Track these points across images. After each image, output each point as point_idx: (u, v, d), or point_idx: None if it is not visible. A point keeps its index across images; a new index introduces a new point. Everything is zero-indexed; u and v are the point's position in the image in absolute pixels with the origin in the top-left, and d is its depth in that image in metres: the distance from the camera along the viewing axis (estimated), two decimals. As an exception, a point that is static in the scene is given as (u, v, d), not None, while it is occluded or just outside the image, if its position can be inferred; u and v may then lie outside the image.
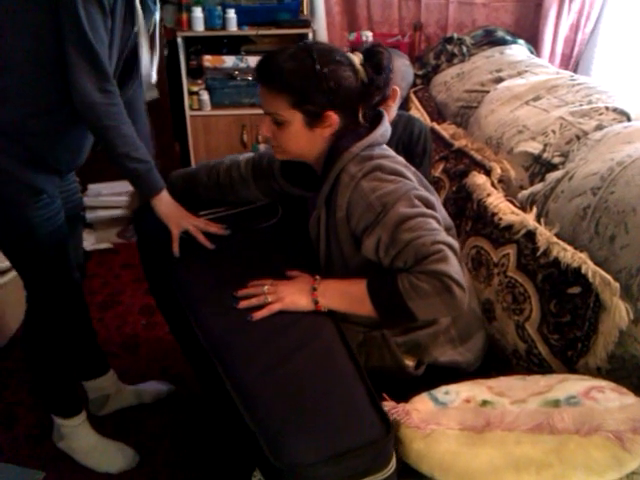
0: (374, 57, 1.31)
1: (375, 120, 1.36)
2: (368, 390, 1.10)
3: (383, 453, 1.02)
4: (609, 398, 1.05)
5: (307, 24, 3.28)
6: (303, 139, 1.31)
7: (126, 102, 1.46)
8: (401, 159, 1.36)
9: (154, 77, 1.67)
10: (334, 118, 1.29)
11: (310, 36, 3.30)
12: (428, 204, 1.26)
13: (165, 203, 1.49)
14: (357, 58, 1.31)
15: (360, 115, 1.33)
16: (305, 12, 3.39)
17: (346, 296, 1.27)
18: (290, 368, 1.13)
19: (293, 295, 1.27)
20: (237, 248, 1.49)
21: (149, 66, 1.51)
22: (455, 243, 1.22)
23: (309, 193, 1.47)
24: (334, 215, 1.31)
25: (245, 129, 3.37)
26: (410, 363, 1.37)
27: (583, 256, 1.28)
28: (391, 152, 1.36)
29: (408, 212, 1.21)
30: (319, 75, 1.24)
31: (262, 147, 3.27)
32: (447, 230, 1.29)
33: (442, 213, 1.36)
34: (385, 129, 1.36)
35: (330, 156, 1.32)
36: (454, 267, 1.16)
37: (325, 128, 1.30)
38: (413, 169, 1.37)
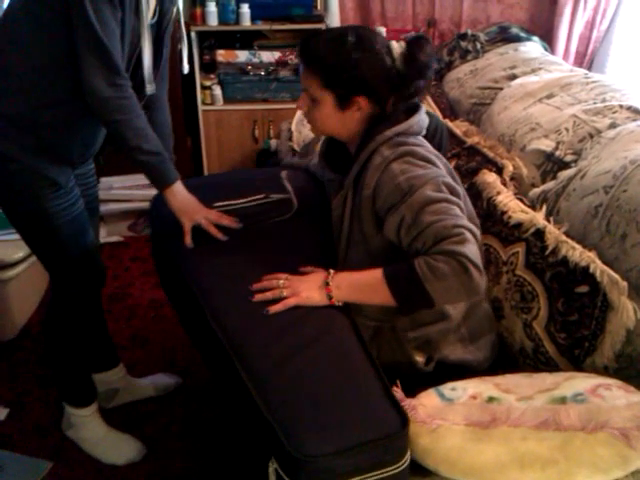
0: (415, 48, 1.31)
1: (411, 110, 1.37)
2: (383, 383, 1.11)
3: (398, 446, 1.03)
4: (616, 396, 1.04)
5: (321, 19, 3.27)
6: (334, 119, 1.35)
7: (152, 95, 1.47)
8: (433, 149, 1.37)
9: (186, 68, 1.72)
10: (363, 103, 1.31)
11: (323, 31, 3.29)
12: (454, 192, 1.26)
13: (178, 196, 1.48)
14: (399, 47, 1.31)
15: (390, 103, 1.33)
16: (319, 7, 3.39)
17: (361, 286, 1.26)
18: (305, 360, 1.13)
19: (309, 290, 1.27)
20: (251, 241, 1.49)
21: (150, 60, 1.49)
22: (476, 230, 1.22)
23: (338, 176, 1.47)
24: (360, 194, 1.33)
25: (257, 124, 3.37)
26: (420, 359, 1.37)
27: (592, 255, 1.27)
28: (425, 142, 1.38)
29: (434, 196, 1.21)
30: (351, 61, 1.27)
31: (274, 142, 3.27)
32: (470, 220, 1.28)
33: (468, 205, 1.37)
34: (420, 119, 1.37)
35: (364, 138, 1.35)
36: (472, 249, 1.15)
37: (355, 112, 1.33)
38: (445, 160, 1.39)
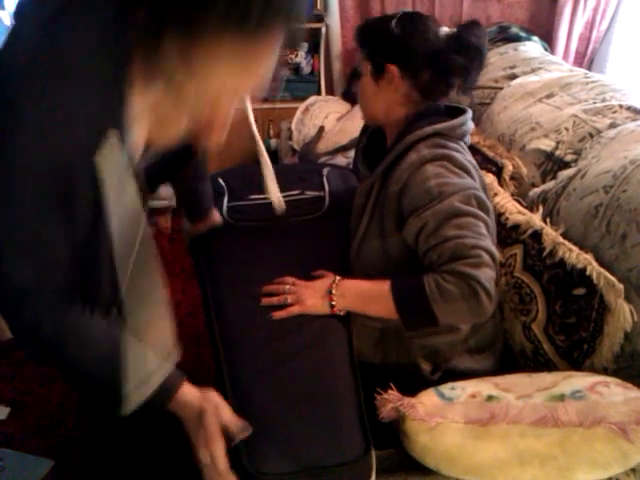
0: (464, 29, 1.30)
1: (457, 112, 1.35)
2: (358, 405, 1.10)
3: (361, 472, 1.02)
4: (614, 392, 1.05)
5: (320, 19, 3.28)
6: (371, 94, 1.37)
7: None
8: (472, 159, 1.35)
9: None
10: (395, 72, 1.30)
11: (323, 31, 3.30)
12: (483, 207, 1.23)
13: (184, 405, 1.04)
14: (447, 29, 1.32)
15: (425, 78, 1.30)
16: (319, 6, 3.38)
17: (366, 297, 1.26)
18: (287, 372, 1.13)
19: (313, 298, 1.27)
20: (273, 237, 1.50)
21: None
22: (496, 252, 1.19)
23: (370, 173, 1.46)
24: (387, 187, 1.30)
25: (257, 123, 3.37)
26: (426, 367, 1.36)
27: (588, 257, 1.28)
28: (466, 150, 1.35)
29: (461, 208, 1.18)
30: (390, 30, 1.30)
31: (274, 142, 3.27)
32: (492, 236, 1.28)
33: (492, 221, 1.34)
34: (463, 123, 1.33)
35: (403, 131, 1.33)
36: (486, 274, 1.13)
37: (389, 86, 1.32)
38: (481, 173, 1.36)
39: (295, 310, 1.25)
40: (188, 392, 1.02)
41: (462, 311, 1.14)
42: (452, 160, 1.25)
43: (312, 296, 1.27)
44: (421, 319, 1.17)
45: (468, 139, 1.37)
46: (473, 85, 1.34)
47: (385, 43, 1.31)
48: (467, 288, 1.11)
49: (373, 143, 1.50)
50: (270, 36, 0.76)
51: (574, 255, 1.30)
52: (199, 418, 1.00)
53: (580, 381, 1.11)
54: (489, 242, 1.19)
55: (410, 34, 1.29)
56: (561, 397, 1.05)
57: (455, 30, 1.30)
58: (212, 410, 1.00)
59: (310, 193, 1.65)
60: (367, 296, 1.26)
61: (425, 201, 1.21)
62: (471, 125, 1.37)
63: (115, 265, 0.90)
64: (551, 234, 1.38)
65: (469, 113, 1.36)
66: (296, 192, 1.64)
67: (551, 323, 1.33)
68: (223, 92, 0.84)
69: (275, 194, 1.36)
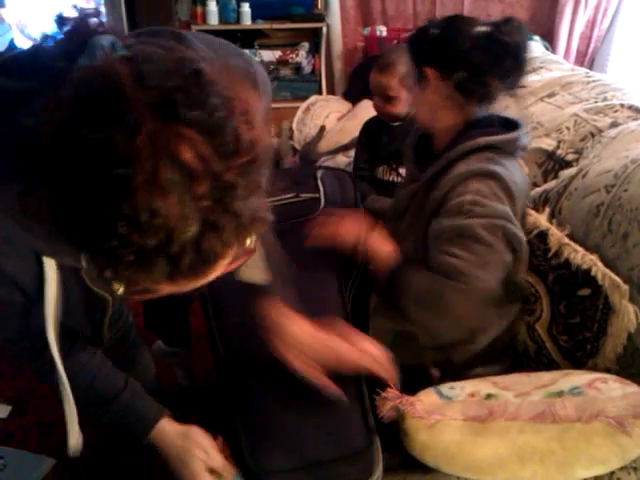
0: (498, 27, 1.27)
1: (511, 126, 1.33)
2: (361, 400, 1.11)
3: (366, 464, 1.02)
4: (612, 388, 1.05)
5: (321, 18, 3.28)
6: (418, 99, 1.38)
7: None
8: (522, 180, 1.31)
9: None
10: (431, 74, 1.30)
11: (324, 30, 3.30)
12: (511, 240, 1.23)
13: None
14: (484, 29, 1.28)
15: (458, 78, 1.28)
16: (319, 6, 3.39)
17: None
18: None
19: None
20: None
21: None
22: (493, 282, 1.21)
23: (416, 168, 1.46)
24: (431, 193, 1.30)
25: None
26: (436, 373, 1.36)
27: (594, 258, 1.28)
28: (517, 169, 1.32)
29: (480, 234, 1.18)
30: (428, 33, 1.30)
31: (274, 141, 3.27)
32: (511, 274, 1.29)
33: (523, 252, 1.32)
34: (518, 138, 1.31)
35: (453, 140, 1.31)
36: (460, 299, 1.18)
37: (429, 89, 1.32)
38: (528, 187, 1.36)
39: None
40: (167, 426, 1.03)
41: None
42: (499, 180, 1.22)
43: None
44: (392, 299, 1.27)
45: (520, 154, 1.35)
46: (514, 86, 1.31)
47: (422, 46, 1.32)
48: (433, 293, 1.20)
49: (422, 143, 1.48)
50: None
51: (579, 256, 1.30)
52: (183, 457, 1.00)
53: (578, 378, 1.11)
54: (490, 276, 1.20)
55: (443, 35, 1.29)
56: (559, 394, 1.05)
57: (488, 28, 1.27)
58: (198, 452, 1.00)
59: (305, 195, 1.65)
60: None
61: (453, 212, 1.21)
62: (526, 140, 1.34)
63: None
64: (557, 234, 1.38)
65: (525, 128, 1.33)
66: (291, 195, 1.64)
67: (555, 323, 1.33)
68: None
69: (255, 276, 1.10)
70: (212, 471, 1.00)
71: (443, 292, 1.19)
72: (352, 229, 1.35)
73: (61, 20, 0.65)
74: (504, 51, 1.25)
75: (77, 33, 0.64)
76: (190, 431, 1.02)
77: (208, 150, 0.54)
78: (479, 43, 1.26)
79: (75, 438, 1.03)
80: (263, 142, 0.60)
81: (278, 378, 1.11)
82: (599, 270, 1.24)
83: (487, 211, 1.19)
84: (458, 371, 1.36)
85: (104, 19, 0.67)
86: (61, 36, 0.65)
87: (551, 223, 1.43)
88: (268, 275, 1.01)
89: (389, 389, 1.11)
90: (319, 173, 1.74)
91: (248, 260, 0.84)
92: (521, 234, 1.27)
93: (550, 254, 1.36)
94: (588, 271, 1.26)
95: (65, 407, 0.98)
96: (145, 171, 0.51)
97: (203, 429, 1.04)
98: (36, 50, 0.71)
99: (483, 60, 1.25)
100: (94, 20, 0.65)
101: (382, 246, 1.32)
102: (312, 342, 1.04)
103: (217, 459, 1.01)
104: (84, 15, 0.65)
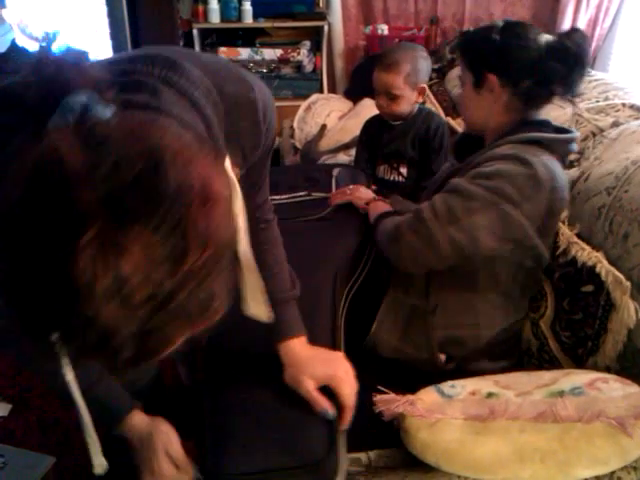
0: (563, 36, 1.27)
1: (562, 131, 1.34)
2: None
3: (326, 473, 1.01)
4: (613, 388, 1.05)
5: (323, 17, 3.28)
6: (472, 102, 1.38)
7: None
8: (558, 183, 1.26)
9: None
10: (494, 82, 1.30)
11: (326, 29, 3.29)
12: (509, 228, 1.23)
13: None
14: (546, 38, 1.29)
15: (524, 87, 1.28)
16: (321, 5, 3.39)
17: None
18: (258, 376, 1.11)
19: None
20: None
21: None
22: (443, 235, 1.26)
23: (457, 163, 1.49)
24: (466, 173, 1.32)
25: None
26: (442, 357, 1.38)
27: (599, 255, 1.28)
28: (562, 176, 1.29)
29: (468, 197, 1.23)
30: (490, 40, 1.30)
31: (276, 140, 3.27)
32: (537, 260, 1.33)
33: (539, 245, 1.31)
34: (569, 141, 1.32)
35: (505, 134, 1.32)
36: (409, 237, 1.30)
37: (489, 95, 1.32)
38: (565, 195, 1.32)
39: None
40: (137, 416, 1.08)
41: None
42: (531, 172, 1.21)
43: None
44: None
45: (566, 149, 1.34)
46: (576, 93, 1.31)
47: (485, 53, 1.31)
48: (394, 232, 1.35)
49: (468, 141, 1.49)
50: None
51: (585, 253, 1.31)
52: (147, 443, 1.05)
53: (579, 378, 1.11)
54: (449, 234, 1.24)
55: (509, 43, 1.28)
56: (560, 393, 1.05)
57: (555, 38, 1.28)
58: (160, 434, 1.05)
59: (317, 194, 1.66)
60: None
61: (469, 175, 1.26)
62: (575, 148, 1.34)
63: None
64: (566, 233, 1.39)
65: (575, 133, 1.34)
66: (303, 193, 1.65)
67: (558, 319, 1.34)
68: None
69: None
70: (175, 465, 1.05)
71: (402, 233, 1.32)
72: (365, 194, 1.60)
73: (39, 67, 0.62)
74: (575, 61, 1.25)
75: (51, 89, 0.59)
76: (157, 422, 1.08)
77: (154, 255, 0.50)
78: (549, 53, 1.26)
79: (98, 456, 1.01)
80: (222, 234, 0.54)
81: (246, 385, 1.11)
82: (603, 267, 1.25)
83: (502, 191, 1.20)
84: (464, 363, 1.37)
85: (88, 61, 0.63)
86: (36, 87, 0.62)
87: (563, 223, 1.44)
88: (270, 312, 1.00)
89: (385, 391, 1.11)
90: (335, 171, 1.75)
91: (250, 294, 0.90)
92: (527, 225, 1.25)
93: (558, 252, 1.38)
94: (593, 268, 1.27)
95: (84, 430, 0.96)
96: (84, 278, 0.48)
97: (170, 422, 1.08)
98: (8, 95, 0.64)
99: (554, 70, 1.26)
100: (74, 70, 0.59)
101: (383, 207, 1.52)
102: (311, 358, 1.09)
103: (177, 446, 1.06)
104: (63, 63, 0.60)
